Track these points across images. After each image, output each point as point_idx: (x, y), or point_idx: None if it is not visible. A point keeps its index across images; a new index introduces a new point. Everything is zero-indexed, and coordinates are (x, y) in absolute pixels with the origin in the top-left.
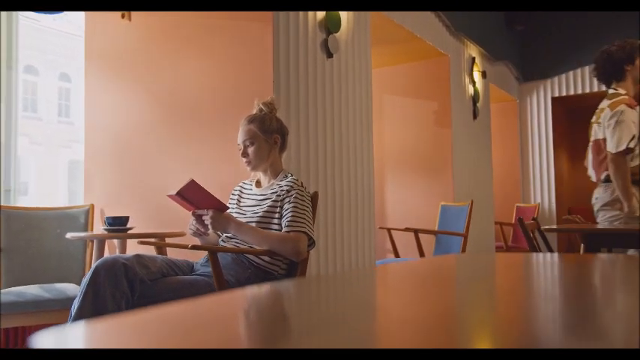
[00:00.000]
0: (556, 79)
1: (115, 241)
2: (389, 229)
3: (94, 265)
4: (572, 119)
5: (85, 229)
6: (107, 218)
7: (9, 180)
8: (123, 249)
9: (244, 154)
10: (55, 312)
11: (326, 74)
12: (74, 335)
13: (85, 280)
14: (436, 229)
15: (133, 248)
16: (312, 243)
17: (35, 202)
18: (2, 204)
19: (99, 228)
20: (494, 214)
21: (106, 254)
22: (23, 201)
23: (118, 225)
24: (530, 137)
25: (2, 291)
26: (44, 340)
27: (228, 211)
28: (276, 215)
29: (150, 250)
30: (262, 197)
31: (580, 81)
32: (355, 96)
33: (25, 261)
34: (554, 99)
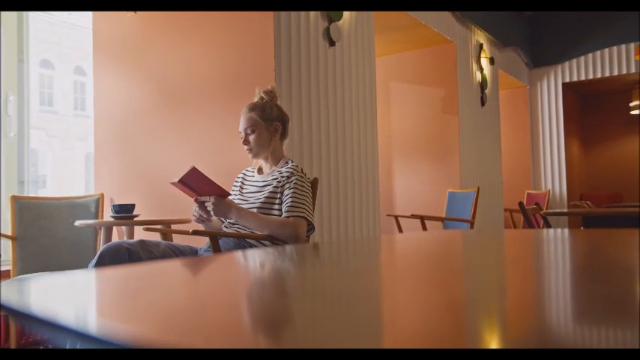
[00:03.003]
0: (567, 64)
1: (124, 228)
2: (396, 216)
3: (99, 251)
4: (584, 105)
5: (96, 218)
6: (114, 206)
7: (23, 172)
8: (130, 236)
9: (246, 141)
10: None
11: (328, 62)
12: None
13: (91, 265)
14: (443, 215)
15: (140, 235)
16: (311, 228)
17: (53, 194)
18: (17, 194)
19: (108, 216)
20: (503, 200)
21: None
22: (42, 193)
23: (124, 212)
24: (541, 123)
25: (15, 278)
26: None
27: (230, 197)
28: (277, 201)
29: (155, 237)
30: (263, 183)
31: (591, 66)
32: (358, 84)
33: (38, 249)
34: (564, 84)
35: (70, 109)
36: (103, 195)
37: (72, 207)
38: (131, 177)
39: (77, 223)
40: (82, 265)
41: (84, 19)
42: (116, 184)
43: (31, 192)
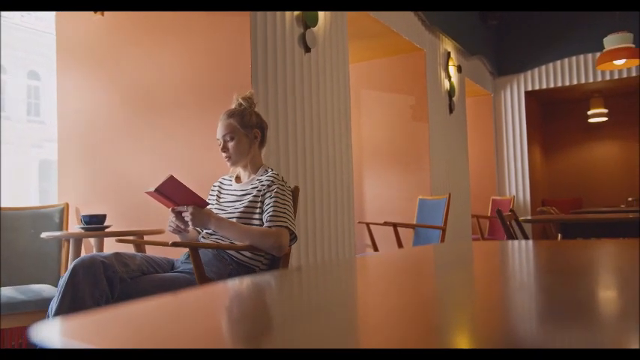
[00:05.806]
0: (529, 73)
1: (92, 240)
2: (368, 224)
3: (71, 265)
4: (546, 112)
5: (60, 229)
6: (83, 217)
7: None
8: (100, 248)
9: (224, 149)
10: (31, 314)
11: (304, 69)
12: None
13: (63, 280)
14: (414, 222)
15: (111, 247)
16: (293, 238)
17: (5, 203)
18: None
19: (74, 227)
20: (470, 207)
21: (83, 254)
22: None
23: (94, 223)
24: (505, 131)
25: None
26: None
27: (208, 207)
28: (257, 210)
29: (129, 249)
30: (242, 192)
31: (552, 75)
32: (333, 90)
33: None
34: (527, 93)
35: (23, 115)
36: (67, 205)
37: (34, 218)
38: (98, 186)
39: (44, 235)
40: (47, 279)
41: (40, 22)
42: (81, 193)
43: None
